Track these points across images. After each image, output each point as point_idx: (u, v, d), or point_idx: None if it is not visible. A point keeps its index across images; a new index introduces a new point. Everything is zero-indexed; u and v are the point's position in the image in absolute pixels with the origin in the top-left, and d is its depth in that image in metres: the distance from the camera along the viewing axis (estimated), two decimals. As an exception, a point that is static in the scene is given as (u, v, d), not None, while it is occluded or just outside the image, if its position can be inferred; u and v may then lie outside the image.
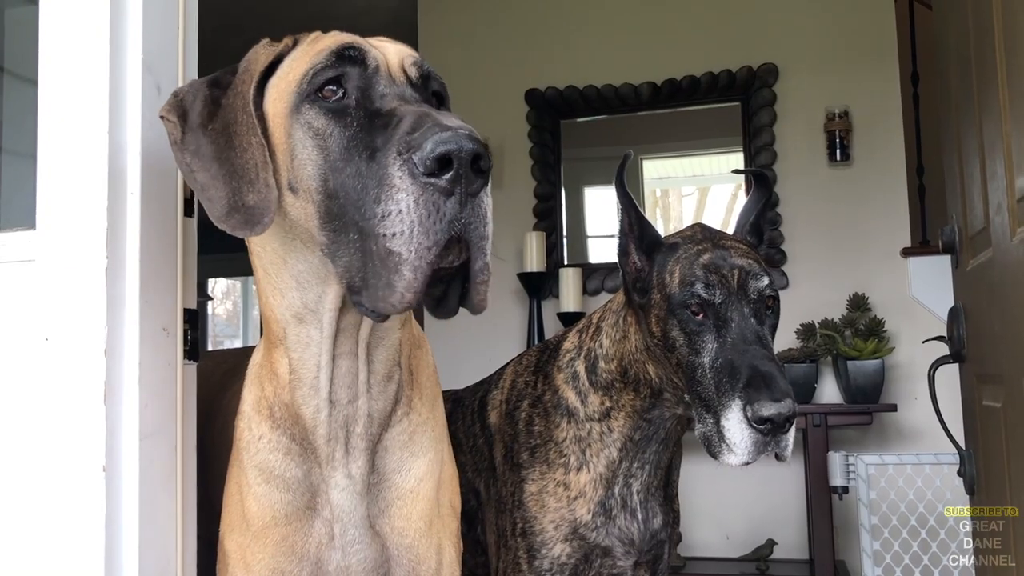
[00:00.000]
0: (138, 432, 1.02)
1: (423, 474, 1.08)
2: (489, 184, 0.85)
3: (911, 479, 2.50)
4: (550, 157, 3.65)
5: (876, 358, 2.96)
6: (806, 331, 3.12)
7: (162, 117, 0.96)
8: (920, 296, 3.13)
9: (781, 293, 3.66)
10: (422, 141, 0.81)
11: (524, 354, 1.68)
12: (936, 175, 3.20)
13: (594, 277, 3.51)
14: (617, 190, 1.42)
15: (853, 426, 3.00)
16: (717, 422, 1.25)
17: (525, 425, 1.54)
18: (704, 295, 1.28)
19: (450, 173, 0.81)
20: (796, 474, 3.18)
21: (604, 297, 3.51)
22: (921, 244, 3.22)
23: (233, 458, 1.09)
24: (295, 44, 0.96)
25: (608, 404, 1.46)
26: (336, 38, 0.94)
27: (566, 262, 3.61)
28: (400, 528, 1.07)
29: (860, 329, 3.05)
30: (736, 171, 1.65)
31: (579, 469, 1.47)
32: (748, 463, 1.23)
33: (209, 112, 0.94)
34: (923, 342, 1.90)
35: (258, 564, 1.05)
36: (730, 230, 1.47)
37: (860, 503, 2.50)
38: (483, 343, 3.41)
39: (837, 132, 3.30)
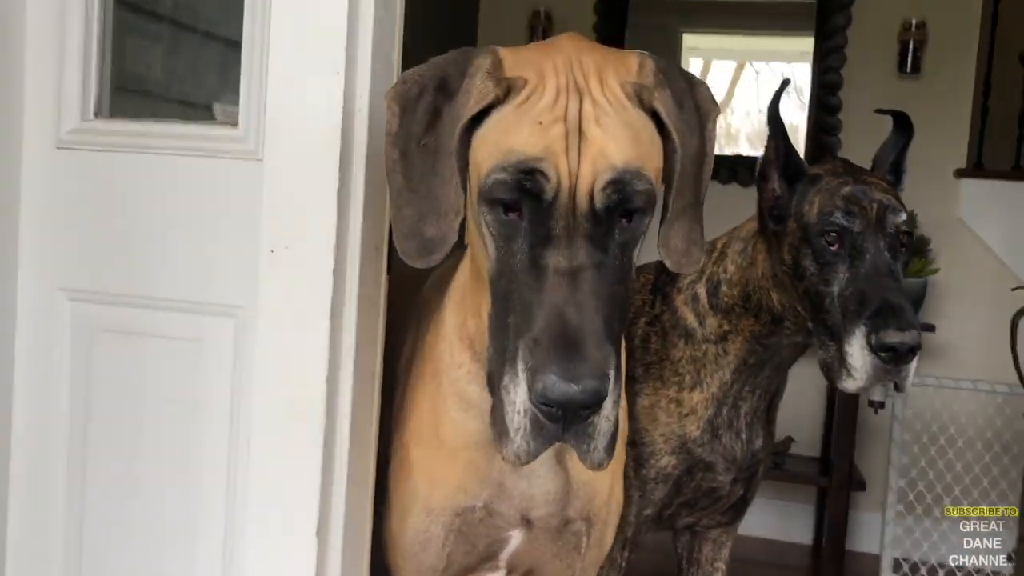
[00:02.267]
0: (354, 346, 1.05)
1: None
2: (604, 407, 0.85)
3: (947, 401, 2.63)
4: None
5: (919, 277, 3.04)
6: (851, 242, 3.17)
7: (386, 102, 0.94)
8: (968, 219, 3.18)
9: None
10: (536, 374, 0.82)
11: (639, 271, 1.71)
12: (1003, 98, 3.19)
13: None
14: (769, 116, 1.44)
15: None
16: (840, 348, 1.30)
17: (641, 342, 1.59)
18: (844, 223, 1.32)
19: (555, 410, 0.83)
20: (819, 378, 3.30)
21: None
22: (976, 167, 3.23)
23: (428, 375, 1.12)
24: (507, 95, 0.90)
25: (727, 327, 1.51)
26: (528, 139, 0.88)
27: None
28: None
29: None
30: (879, 111, 1.63)
31: (692, 388, 1.54)
32: (866, 388, 1.30)
33: (427, 123, 0.92)
34: (1012, 290, 1.95)
35: (444, 481, 1.10)
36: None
37: (894, 418, 2.62)
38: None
39: (912, 42, 3.24)
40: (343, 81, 1.01)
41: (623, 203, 0.88)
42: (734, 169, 3.44)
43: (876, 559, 2.66)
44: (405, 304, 1.31)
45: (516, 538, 1.14)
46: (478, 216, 0.91)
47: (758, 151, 3.42)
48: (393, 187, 0.93)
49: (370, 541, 1.19)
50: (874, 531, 3.05)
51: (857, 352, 1.28)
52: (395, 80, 1.07)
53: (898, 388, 1.31)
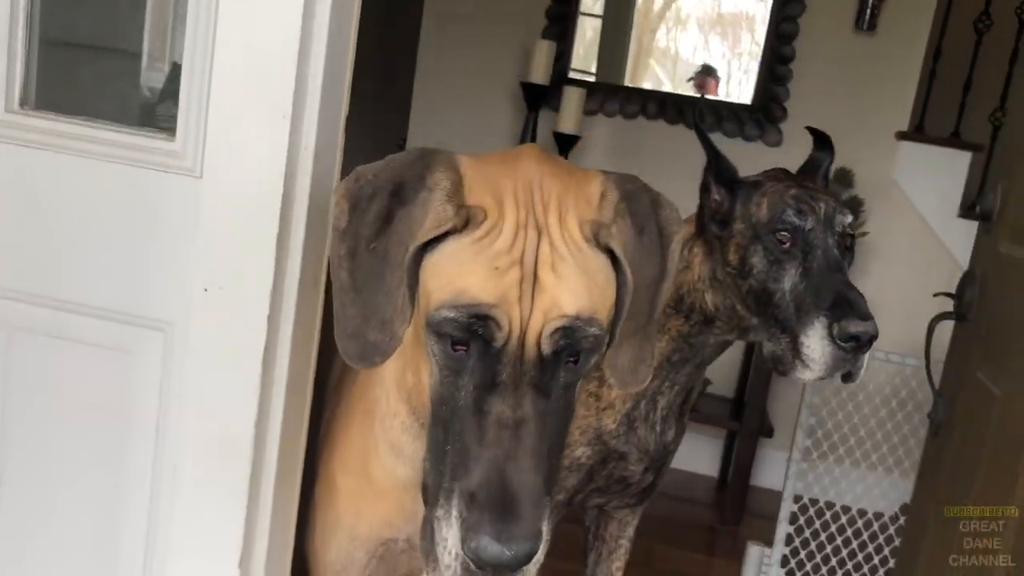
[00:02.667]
0: (285, 386, 1.06)
1: None
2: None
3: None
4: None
5: (847, 239, 3.12)
6: (788, 197, 3.23)
7: (335, 198, 0.90)
8: (903, 183, 3.24)
9: (775, 150, 3.70)
10: (470, 531, 0.82)
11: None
12: (952, 65, 3.20)
13: (594, 97, 3.45)
14: (696, 131, 1.54)
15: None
16: (794, 341, 1.35)
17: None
18: (796, 220, 1.38)
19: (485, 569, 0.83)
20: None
21: (600, 119, 3.48)
22: (916, 130, 3.28)
23: (360, 412, 1.14)
24: (465, 225, 0.87)
25: (661, 331, 1.55)
26: (482, 284, 0.85)
27: (571, 75, 3.52)
28: None
29: (839, 205, 3.18)
30: (808, 128, 1.67)
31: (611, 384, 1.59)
32: (823, 378, 1.36)
33: (378, 228, 0.88)
34: (933, 295, 2.02)
35: (371, 513, 1.14)
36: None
37: (806, 385, 2.74)
38: (473, 148, 3.37)
39: (871, -1, 3.22)
40: (289, 126, 0.97)
41: (570, 348, 0.88)
42: (662, 105, 3.43)
43: (776, 495, 2.84)
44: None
45: None
46: (424, 334, 0.90)
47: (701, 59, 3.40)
48: (337, 284, 0.90)
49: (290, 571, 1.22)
50: (777, 469, 3.24)
51: (816, 343, 1.33)
52: (342, 124, 1.03)
53: (851, 378, 1.38)
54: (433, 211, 0.87)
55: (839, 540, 2.79)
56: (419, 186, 0.88)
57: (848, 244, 1.42)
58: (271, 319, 1.02)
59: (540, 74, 3.25)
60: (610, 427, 1.59)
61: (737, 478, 3.25)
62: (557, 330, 0.86)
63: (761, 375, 3.12)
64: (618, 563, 1.86)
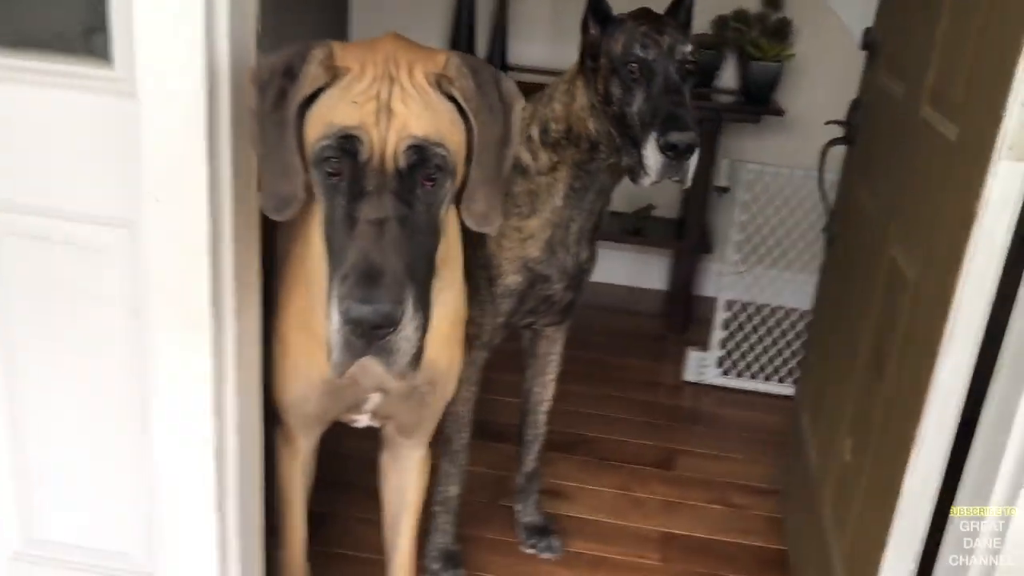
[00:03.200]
0: (232, 268, 1.29)
1: (442, 316, 1.40)
2: (402, 329, 1.10)
3: (783, 185, 3.00)
4: None
5: (777, 61, 3.27)
6: (719, 22, 3.35)
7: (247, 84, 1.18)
8: (837, 7, 3.34)
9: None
10: (342, 300, 1.08)
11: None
12: None
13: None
14: None
15: (743, 122, 3.41)
16: (639, 153, 1.64)
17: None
18: (640, 53, 1.65)
19: (356, 328, 1.08)
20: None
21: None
22: (843, -50, 3.34)
23: (301, 281, 1.39)
24: (334, 80, 1.14)
25: (555, 159, 1.81)
26: (346, 113, 1.12)
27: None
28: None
29: (768, 27, 3.30)
30: None
31: (530, 216, 1.85)
32: (656, 182, 1.65)
33: (276, 102, 1.14)
34: (825, 123, 2.22)
35: (318, 361, 1.35)
36: None
37: (735, 202, 3.00)
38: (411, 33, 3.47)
39: None
40: (203, 44, 1.17)
41: (422, 164, 1.12)
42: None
43: (713, 300, 3.17)
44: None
45: (375, 398, 1.47)
46: (313, 181, 1.16)
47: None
48: (257, 154, 1.18)
49: (259, 420, 1.50)
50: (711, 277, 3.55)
51: (651, 153, 1.61)
52: (253, 37, 1.24)
53: (681, 182, 1.66)
54: (310, 75, 1.13)
55: (771, 338, 3.14)
56: (301, 63, 1.14)
57: (689, 69, 1.67)
58: (212, 216, 1.24)
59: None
60: (534, 254, 1.87)
61: (681, 291, 3.56)
62: (409, 148, 1.11)
63: (697, 198, 3.36)
64: (551, 376, 2.18)
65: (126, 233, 1.35)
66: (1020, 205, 1.25)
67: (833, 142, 2.18)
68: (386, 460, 1.69)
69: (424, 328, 1.15)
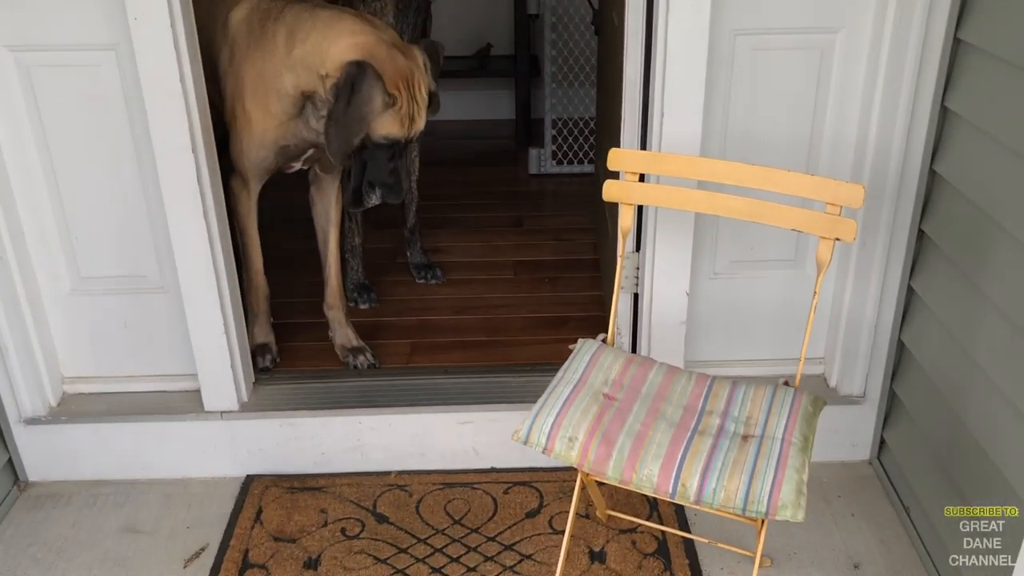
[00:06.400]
0: (192, 78, 2.09)
1: None
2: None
3: (579, 7, 3.86)
4: None
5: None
6: None
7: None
8: None
9: None
10: (382, 193, 2.20)
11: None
12: None
13: None
14: None
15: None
16: None
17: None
18: None
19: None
20: (507, 2, 4.46)
21: None
22: None
23: (269, 78, 2.24)
24: (393, 104, 2.06)
25: None
26: (397, 129, 2.11)
27: None
28: None
29: None
30: None
31: None
32: None
33: (346, 103, 2.04)
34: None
35: (273, 131, 2.28)
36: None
37: (545, 23, 3.87)
38: None
39: None
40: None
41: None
42: None
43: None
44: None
45: (309, 152, 2.36)
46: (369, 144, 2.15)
47: None
48: (328, 128, 2.15)
49: (220, 180, 2.33)
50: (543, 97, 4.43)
51: None
52: None
53: None
54: (379, 100, 2.06)
55: (588, 144, 4.07)
56: (362, 82, 2.03)
57: None
58: (173, 27, 2.02)
59: None
60: None
61: (521, 112, 4.45)
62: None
63: (522, 33, 4.22)
64: (414, 154, 3.05)
65: (113, 55, 2.13)
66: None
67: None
68: (313, 192, 2.57)
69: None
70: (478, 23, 4.53)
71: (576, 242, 3.45)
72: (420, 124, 2.12)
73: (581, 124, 4.06)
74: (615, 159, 1.95)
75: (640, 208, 2.29)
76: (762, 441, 1.70)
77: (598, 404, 1.77)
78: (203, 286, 2.29)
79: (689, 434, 1.71)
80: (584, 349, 1.95)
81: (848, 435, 2.49)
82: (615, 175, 2.02)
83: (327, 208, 2.58)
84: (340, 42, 2.07)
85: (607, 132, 2.91)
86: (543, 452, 1.71)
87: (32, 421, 2.40)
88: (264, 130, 2.28)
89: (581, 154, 4.10)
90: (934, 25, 1.99)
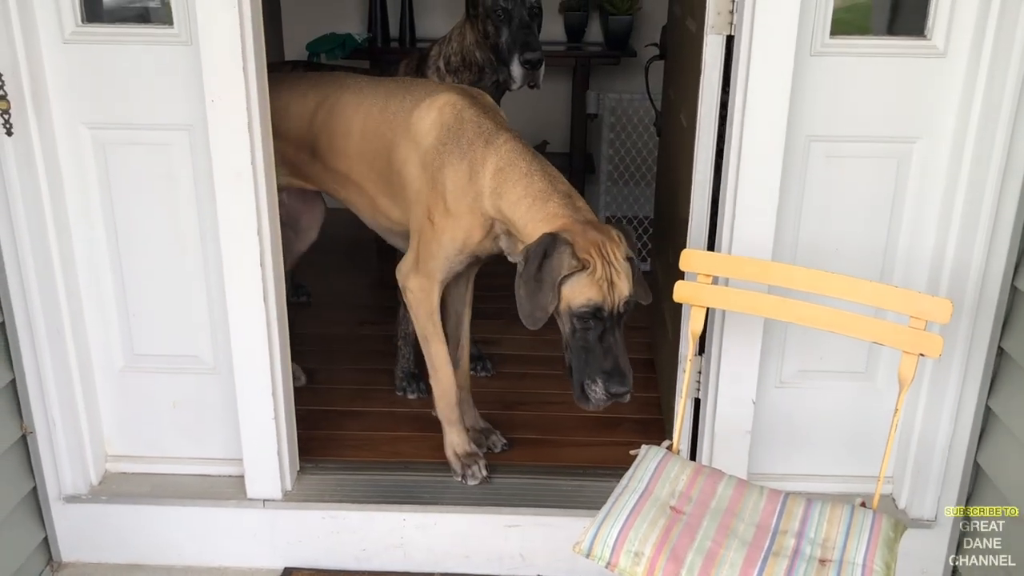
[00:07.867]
0: (261, 144, 2.10)
1: None
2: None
3: (636, 108, 3.91)
4: None
5: (628, 15, 4.18)
6: (583, -13, 4.27)
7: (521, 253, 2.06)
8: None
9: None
10: (605, 381, 1.99)
11: (407, 62, 2.81)
12: None
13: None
14: None
15: (607, 65, 4.31)
16: (508, 69, 2.65)
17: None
18: (503, 4, 2.62)
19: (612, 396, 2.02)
20: (564, 100, 4.52)
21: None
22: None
23: (467, 204, 2.24)
24: (583, 269, 1.91)
25: (456, 80, 2.67)
26: (595, 292, 1.92)
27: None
28: None
29: (619, -11, 4.22)
30: None
31: None
32: (521, 87, 2.68)
33: (537, 268, 1.93)
34: (645, 46, 3.12)
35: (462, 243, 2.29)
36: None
37: (603, 124, 3.89)
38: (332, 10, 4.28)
39: None
40: (237, 10, 1.98)
41: (627, 308, 1.99)
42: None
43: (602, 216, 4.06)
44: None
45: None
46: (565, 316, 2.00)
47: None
48: (521, 295, 2.01)
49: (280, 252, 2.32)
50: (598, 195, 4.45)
51: (516, 68, 2.63)
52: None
53: (536, 86, 2.68)
54: (567, 263, 1.92)
55: (641, 243, 4.04)
56: (553, 249, 1.92)
57: (535, 12, 2.66)
58: (248, 111, 2.04)
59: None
60: None
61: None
62: (624, 303, 1.96)
63: (579, 131, 4.26)
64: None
65: (187, 135, 2.15)
66: (723, 63, 2.14)
67: (652, 59, 3.08)
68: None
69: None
70: (536, 121, 4.59)
71: (629, 341, 3.35)
72: (623, 288, 1.95)
73: (635, 222, 4.04)
74: (688, 260, 1.90)
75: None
76: (841, 567, 1.58)
77: (665, 517, 1.68)
78: (257, 370, 2.26)
79: (763, 554, 1.60)
80: (649, 456, 1.86)
81: (918, 561, 2.34)
82: (678, 275, 1.97)
83: (462, 292, 2.64)
84: (542, 225, 2.04)
85: (667, 232, 2.88)
86: (606, 567, 1.61)
87: (72, 499, 2.35)
88: (463, 239, 2.29)
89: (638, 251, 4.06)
90: (1017, 143, 1.95)
